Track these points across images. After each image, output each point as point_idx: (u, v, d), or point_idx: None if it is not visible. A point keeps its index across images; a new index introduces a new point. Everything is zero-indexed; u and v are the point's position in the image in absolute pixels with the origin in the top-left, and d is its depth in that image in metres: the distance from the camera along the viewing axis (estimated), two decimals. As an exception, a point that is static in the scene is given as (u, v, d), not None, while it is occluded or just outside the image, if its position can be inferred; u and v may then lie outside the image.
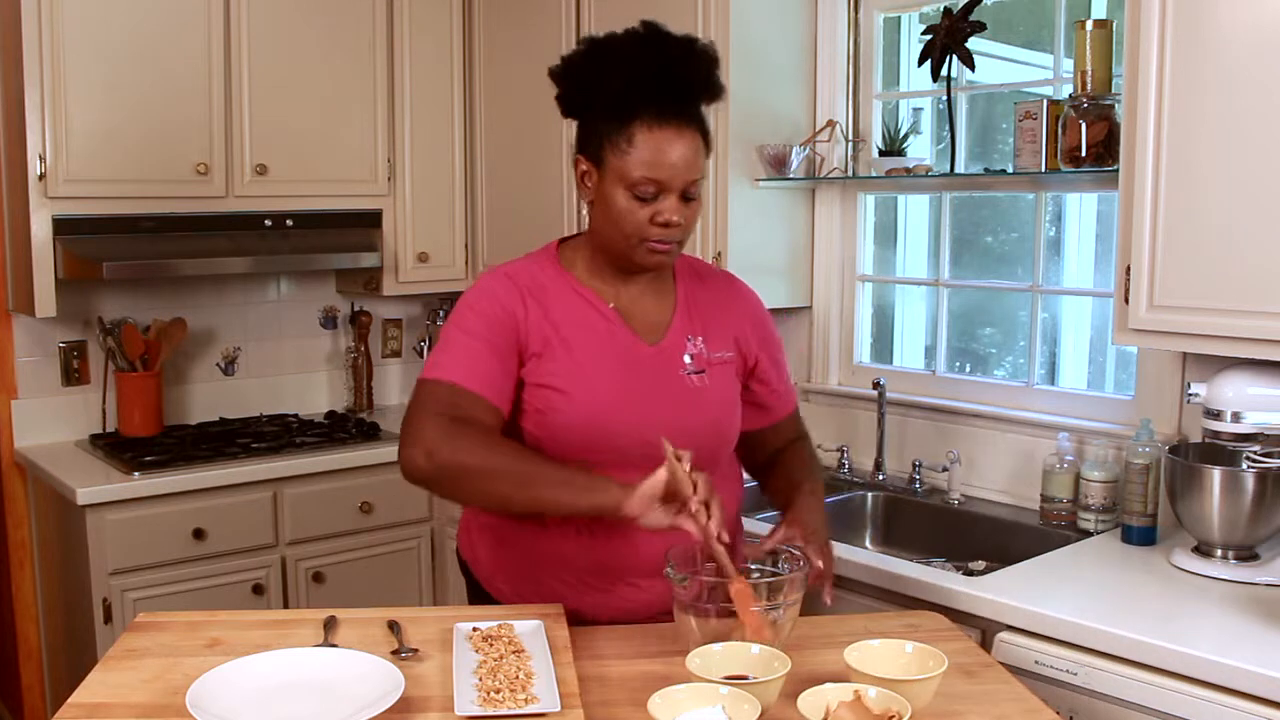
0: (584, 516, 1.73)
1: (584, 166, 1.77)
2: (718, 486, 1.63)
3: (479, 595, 1.94)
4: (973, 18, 2.54)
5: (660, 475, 1.56)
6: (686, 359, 1.84)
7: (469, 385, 1.70)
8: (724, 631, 1.58)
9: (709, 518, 1.58)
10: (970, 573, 2.21)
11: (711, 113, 1.79)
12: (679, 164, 1.70)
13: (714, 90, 1.77)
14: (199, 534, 2.95)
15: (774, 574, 1.67)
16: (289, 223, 3.29)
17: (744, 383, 1.93)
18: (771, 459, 2.02)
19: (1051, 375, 2.80)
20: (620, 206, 1.72)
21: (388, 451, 3.25)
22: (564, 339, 1.77)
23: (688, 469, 1.57)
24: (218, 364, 3.56)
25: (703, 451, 1.69)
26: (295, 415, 3.60)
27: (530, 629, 1.65)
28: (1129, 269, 2.09)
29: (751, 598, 1.57)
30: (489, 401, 1.71)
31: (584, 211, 3.18)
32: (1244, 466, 2.06)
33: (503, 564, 1.89)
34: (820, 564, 1.71)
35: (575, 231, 1.96)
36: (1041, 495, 2.50)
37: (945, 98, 2.68)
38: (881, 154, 2.85)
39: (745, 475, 2.01)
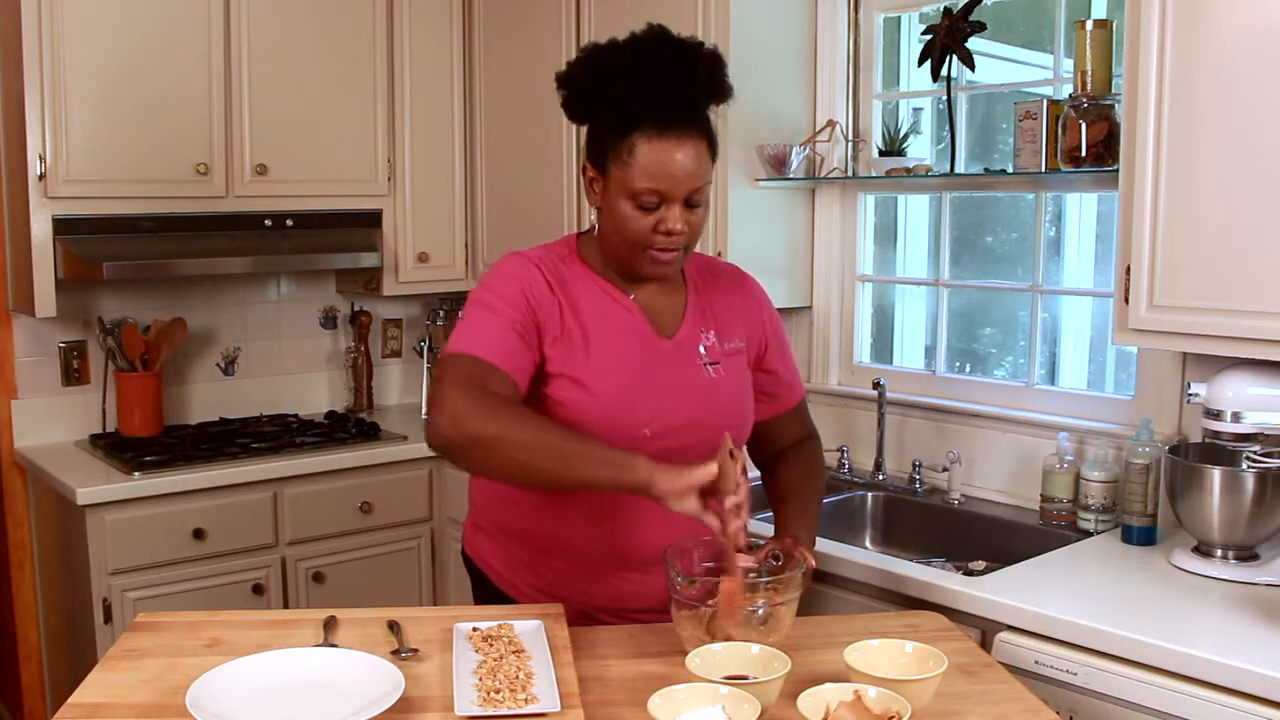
0: (610, 492, 1.69)
1: (591, 174, 1.79)
2: None
3: (486, 593, 1.95)
4: (973, 18, 2.54)
5: (711, 468, 1.54)
6: (701, 350, 1.86)
7: (489, 358, 1.69)
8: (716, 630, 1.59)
9: (736, 519, 1.56)
10: (970, 573, 2.21)
11: (712, 113, 1.78)
12: (680, 174, 1.70)
13: (720, 93, 1.76)
14: (199, 534, 2.95)
15: (773, 571, 1.68)
16: (289, 223, 3.29)
17: (752, 373, 1.95)
18: (776, 459, 2.03)
19: (1051, 375, 2.80)
20: (624, 215, 1.73)
21: (388, 451, 3.26)
22: (585, 329, 1.78)
23: (740, 469, 1.55)
24: (217, 364, 3.56)
25: (719, 442, 1.69)
26: (295, 415, 3.60)
27: (530, 629, 1.65)
28: (1129, 269, 2.09)
29: (740, 597, 1.58)
30: (508, 375, 1.69)
31: (585, 212, 3.19)
32: (1244, 466, 2.06)
33: (512, 560, 1.90)
34: (813, 562, 1.73)
35: (577, 231, 1.96)
36: (1041, 495, 2.49)
37: (945, 98, 2.68)
38: (881, 154, 2.85)
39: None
